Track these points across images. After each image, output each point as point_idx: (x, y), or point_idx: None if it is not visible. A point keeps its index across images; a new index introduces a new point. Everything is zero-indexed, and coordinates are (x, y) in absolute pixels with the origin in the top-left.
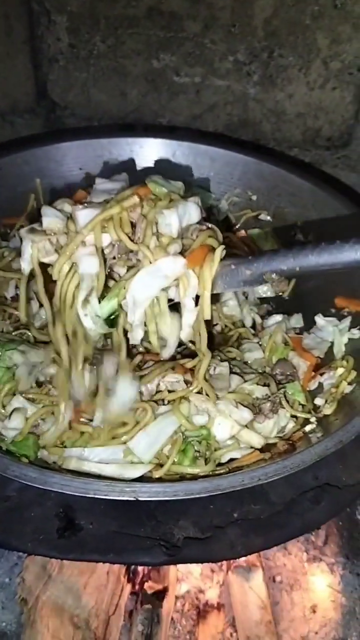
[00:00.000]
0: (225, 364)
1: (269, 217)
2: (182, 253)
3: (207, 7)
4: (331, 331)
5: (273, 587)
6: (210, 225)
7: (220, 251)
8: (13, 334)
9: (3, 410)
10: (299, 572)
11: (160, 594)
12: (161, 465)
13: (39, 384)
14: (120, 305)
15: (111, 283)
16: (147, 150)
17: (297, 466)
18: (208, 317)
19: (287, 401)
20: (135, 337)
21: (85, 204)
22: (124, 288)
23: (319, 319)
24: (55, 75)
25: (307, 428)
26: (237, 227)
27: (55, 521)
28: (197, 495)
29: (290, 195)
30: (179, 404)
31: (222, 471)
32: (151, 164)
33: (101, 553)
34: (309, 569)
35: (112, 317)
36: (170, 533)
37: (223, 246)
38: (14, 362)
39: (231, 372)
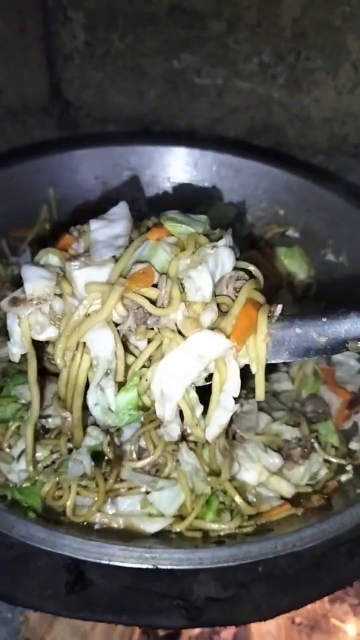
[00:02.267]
0: (253, 400)
1: (297, 234)
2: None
3: (232, 5)
4: (353, 366)
5: (292, 629)
6: (251, 269)
7: (267, 310)
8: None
9: (9, 451)
10: (319, 613)
11: (173, 636)
12: (182, 518)
13: (46, 430)
14: (139, 396)
15: (129, 359)
16: (167, 160)
17: (336, 530)
18: (261, 399)
19: (319, 443)
20: (172, 434)
21: (81, 260)
22: (146, 379)
23: (337, 355)
24: (70, 74)
25: (343, 478)
26: (261, 243)
27: (63, 574)
28: (225, 564)
29: (321, 211)
30: (202, 451)
31: (249, 528)
32: (173, 174)
33: (114, 613)
34: (331, 610)
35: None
36: (189, 589)
37: (276, 305)
38: (24, 398)
39: (259, 409)
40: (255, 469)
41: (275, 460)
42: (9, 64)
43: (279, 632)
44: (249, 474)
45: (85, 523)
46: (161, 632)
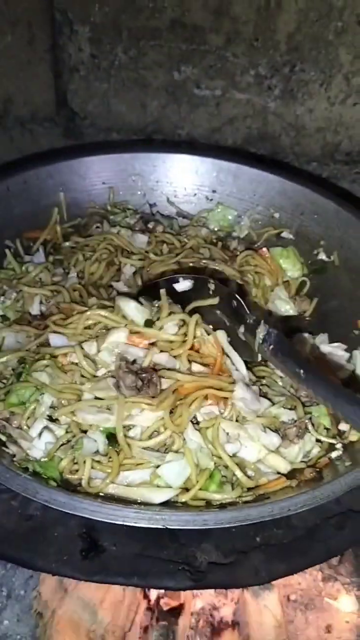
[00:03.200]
0: (256, 387)
1: (291, 236)
2: None
3: (230, 20)
4: (341, 355)
5: (288, 606)
6: None
7: None
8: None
9: (28, 429)
10: (314, 591)
11: (176, 611)
12: (187, 490)
13: None
14: None
15: None
16: (170, 166)
17: (327, 497)
18: None
19: (313, 424)
20: None
21: None
22: None
23: (324, 347)
24: (75, 85)
25: (333, 454)
26: (258, 244)
27: (78, 542)
28: (227, 525)
29: (314, 214)
30: (206, 431)
31: (248, 497)
32: (175, 179)
33: (125, 576)
34: (324, 589)
35: None
36: (193, 556)
37: None
38: (41, 381)
39: (260, 395)
40: (255, 447)
41: (274, 439)
42: (18, 74)
43: (275, 609)
44: (249, 452)
45: (99, 494)
46: (165, 607)
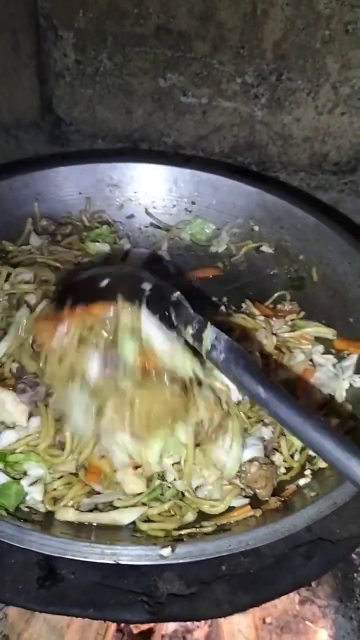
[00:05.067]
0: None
1: (271, 249)
2: None
3: (216, 27)
4: (331, 369)
5: (263, 629)
6: None
7: None
8: None
9: None
10: (290, 614)
11: (147, 634)
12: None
13: None
14: None
15: None
16: (148, 176)
17: (288, 530)
18: None
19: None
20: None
21: None
22: None
23: (317, 357)
24: (61, 91)
25: (301, 482)
26: (236, 257)
27: (35, 569)
28: (181, 561)
29: (294, 228)
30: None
31: (209, 528)
32: (153, 190)
33: (82, 607)
34: (301, 611)
35: None
36: (154, 586)
37: None
38: None
39: None
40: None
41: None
42: (2, 81)
43: (250, 632)
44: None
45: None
46: (135, 630)
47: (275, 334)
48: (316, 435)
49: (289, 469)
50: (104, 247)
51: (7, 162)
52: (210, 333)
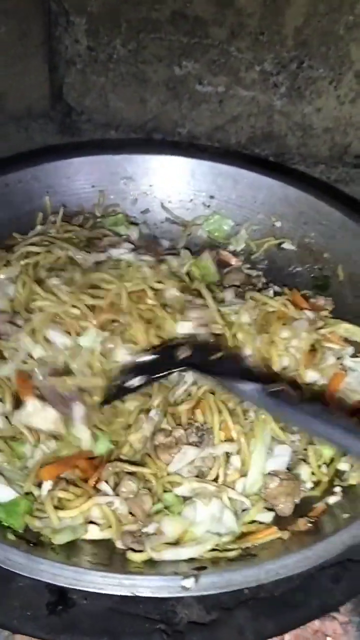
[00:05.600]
0: None
1: (293, 246)
2: None
3: (234, 13)
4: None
5: None
6: None
7: None
8: None
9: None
10: (310, 630)
11: None
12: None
13: None
14: None
15: None
16: (165, 169)
17: (321, 557)
18: None
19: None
20: None
21: None
22: None
23: (347, 361)
24: (72, 78)
25: (331, 500)
26: (256, 255)
27: (45, 594)
28: (205, 593)
29: (318, 224)
30: None
31: (233, 553)
32: (169, 184)
33: (96, 636)
34: (321, 627)
35: None
36: (172, 612)
37: None
38: None
39: None
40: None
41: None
42: (11, 68)
43: None
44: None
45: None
46: None
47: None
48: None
49: (317, 484)
50: (121, 230)
51: (16, 154)
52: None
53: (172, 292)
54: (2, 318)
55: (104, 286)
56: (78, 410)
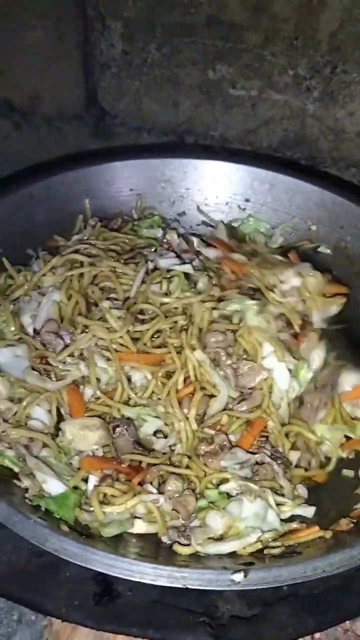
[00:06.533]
0: None
1: (328, 251)
2: None
3: (269, 18)
4: None
5: None
6: None
7: None
8: None
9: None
10: (340, 629)
11: None
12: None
13: None
14: None
15: None
16: (202, 172)
17: None
18: None
19: None
20: None
21: None
22: None
23: None
24: (106, 82)
25: None
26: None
27: (91, 584)
28: (254, 587)
29: (355, 228)
30: None
31: (276, 551)
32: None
33: (140, 627)
34: (352, 626)
35: None
36: (214, 606)
37: None
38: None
39: None
40: None
41: None
42: (46, 71)
43: None
44: None
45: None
46: None
47: None
48: None
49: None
50: (157, 232)
51: (58, 158)
52: None
53: None
54: (50, 327)
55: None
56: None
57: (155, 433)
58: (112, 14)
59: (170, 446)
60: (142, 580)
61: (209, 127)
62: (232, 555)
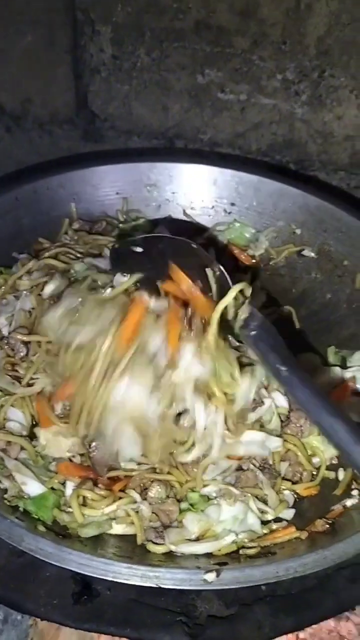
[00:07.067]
0: None
1: (312, 254)
2: None
3: (257, 22)
4: None
5: None
6: None
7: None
8: None
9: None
10: (324, 629)
11: None
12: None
13: None
14: None
15: None
16: (188, 176)
17: (339, 557)
18: None
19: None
20: None
21: None
22: None
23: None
24: (96, 86)
25: (348, 502)
26: (276, 261)
27: (70, 584)
28: (226, 587)
29: (338, 232)
30: None
31: (252, 551)
32: (192, 191)
33: (118, 626)
34: (336, 628)
35: None
36: (192, 605)
37: None
38: None
39: None
40: None
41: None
42: (38, 75)
43: None
44: None
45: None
46: None
47: None
48: (330, 420)
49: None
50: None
51: (44, 161)
52: (245, 309)
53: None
54: (18, 332)
55: None
56: None
57: None
58: (102, 19)
59: None
60: (116, 580)
61: (198, 131)
62: (208, 555)
